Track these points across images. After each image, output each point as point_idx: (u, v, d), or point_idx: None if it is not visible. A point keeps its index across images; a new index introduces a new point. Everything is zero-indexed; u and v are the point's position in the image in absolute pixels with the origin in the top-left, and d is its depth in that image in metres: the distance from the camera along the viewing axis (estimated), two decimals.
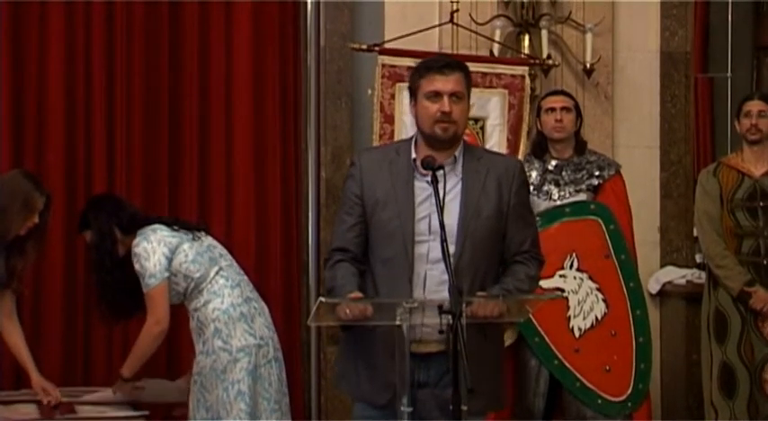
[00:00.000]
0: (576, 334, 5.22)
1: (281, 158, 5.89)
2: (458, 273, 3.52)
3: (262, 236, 5.83)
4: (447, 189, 3.59)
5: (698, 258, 6.24)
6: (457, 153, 3.74)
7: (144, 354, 4.66)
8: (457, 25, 5.74)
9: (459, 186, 3.70)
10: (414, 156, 3.74)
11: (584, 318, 5.22)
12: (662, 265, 6.30)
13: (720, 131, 6.65)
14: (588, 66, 6.03)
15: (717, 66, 6.70)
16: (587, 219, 5.30)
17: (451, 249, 3.56)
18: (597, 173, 5.39)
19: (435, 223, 3.58)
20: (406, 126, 5.36)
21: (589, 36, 6.02)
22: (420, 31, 5.64)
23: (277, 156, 5.87)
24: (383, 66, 5.46)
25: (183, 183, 5.74)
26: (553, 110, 5.38)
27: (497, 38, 5.90)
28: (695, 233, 5.83)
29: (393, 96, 5.45)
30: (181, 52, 5.76)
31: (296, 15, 5.95)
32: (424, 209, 3.68)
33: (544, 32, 5.94)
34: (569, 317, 5.22)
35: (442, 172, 3.58)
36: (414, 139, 3.81)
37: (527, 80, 5.58)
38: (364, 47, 5.59)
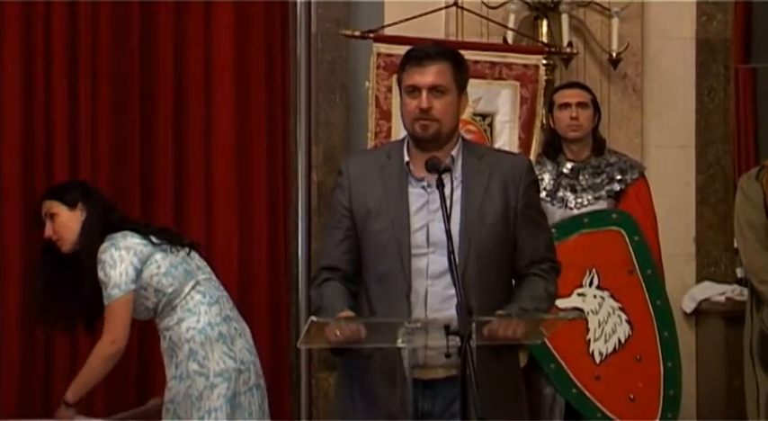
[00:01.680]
0: (597, 359, 5.20)
1: (267, 160, 5.87)
2: (464, 288, 3.44)
3: (245, 247, 5.81)
4: (446, 193, 3.56)
5: (739, 273, 6.22)
6: (454, 152, 3.71)
7: (93, 377, 4.59)
8: (462, 9, 5.72)
9: (460, 190, 3.67)
10: (406, 159, 3.71)
11: (606, 342, 5.20)
12: (698, 281, 6.28)
13: (764, 128, 6.77)
14: (614, 55, 6.00)
15: (760, 55, 6.79)
16: (609, 230, 5.28)
17: None
18: (619, 177, 5.40)
19: (434, 233, 3.58)
20: None
21: (615, 21, 5.99)
22: (421, 16, 5.63)
23: (262, 157, 5.86)
24: (379, 55, 5.47)
25: (156, 188, 5.73)
26: (568, 105, 5.36)
27: (511, 23, 5.87)
28: (735, 244, 5.76)
29: (390, 89, 5.43)
30: (155, 40, 5.76)
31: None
32: (421, 218, 3.64)
33: (564, 17, 5.90)
34: (589, 340, 5.20)
35: (448, 175, 3.55)
36: (405, 140, 3.78)
37: (541, 70, 5.59)
38: (357, 33, 5.58)
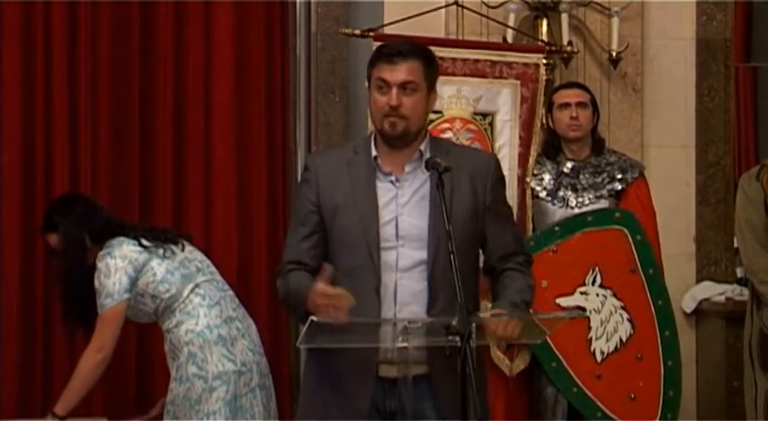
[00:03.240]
0: (598, 358, 5.23)
1: (267, 160, 5.88)
2: (433, 284, 3.59)
3: (245, 247, 5.83)
4: (414, 189, 3.66)
5: (739, 272, 6.23)
6: (422, 148, 3.74)
7: (82, 387, 4.67)
8: (462, 7, 5.75)
9: (427, 186, 3.69)
10: (374, 154, 3.74)
11: (608, 341, 5.23)
12: (698, 280, 6.29)
13: (764, 128, 6.68)
14: (614, 54, 6.01)
15: (760, 54, 6.71)
16: (612, 228, 5.30)
17: (422, 256, 3.62)
18: (619, 176, 5.42)
19: (402, 227, 3.64)
20: None
21: (615, 21, 6.01)
22: (421, 14, 5.66)
23: (262, 157, 5.87)
24: None
25: (156, 189, 5.75)
26: (567, 106, 5.40)
27: (512, 22, 5.89)
28: (736, 244, 5.80)
29: None
30: (154, 40, 5.77)
31: None
32: (390, 211, 3.68)
33: (564, 17, 5.93)
34: (591, 339, 5.22)
35: (447, 174, 3.55)
36: (373, 135, 3.82)
37: (542, 69, 5.57)
38: (357, 32, 5.59)
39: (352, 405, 3.65)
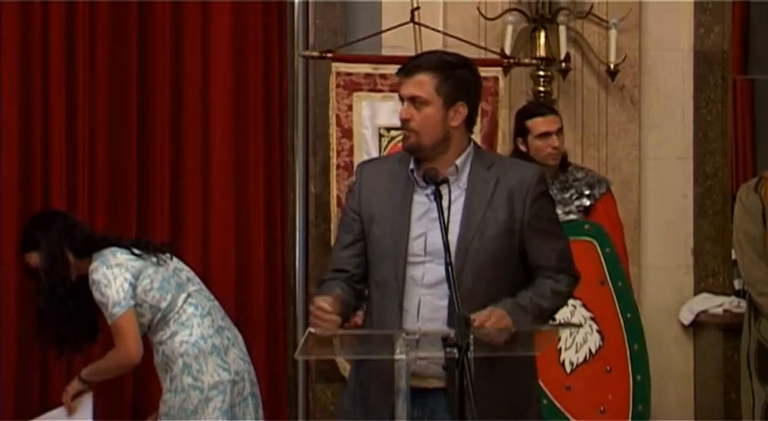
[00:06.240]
0: (568, 368, 5.30)
1: (265, 171, 5.95)
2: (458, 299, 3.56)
3: (243, 259, 5.89)
4: (447, 203, 3.64)
5: (737, 284, 6.31)
6: (459, 161, 3.78)
7: (104, 374, 4.86)
8: (419, 24, 5.76)
9: (462, 199, 3.75)
10: (411, 166, 3.79)
11: (577, 351, 5.29)
12: (696, 292, 6.31)
13: (762, 140, 6.72)
14: (612, 66, 6.06)
15: (758, 66, 6.73)
16: (581, 240, 5.30)
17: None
18: (587, 192, 5.49)
19: (432, 242, 3.68)
20: (366, 140, 5.52)
21: (613, 33, 6.06)
22: (377, 34, 5.76)
23: (260, 168, 5.94)
24: (338, 74, 5.60)
25: (153, 200, 5.81)
26: (548, 135, 5.42)
27: (509, 34, 5.95)
28: (734, 256, 5.87)
29: (350, 108, 5.60)
30: (151, 51, 5.83)
31: (282, 10, 6.03)
32: (421, 226, 3.73)
33: (562, 29, 5.99)
34: (560, 349, 5.28)
35: (446, 186, 3.64)
36: None
37: (501, 82, 5.64)
38: (315, 54, 5.72)
39: (375, 412, 3.74)
